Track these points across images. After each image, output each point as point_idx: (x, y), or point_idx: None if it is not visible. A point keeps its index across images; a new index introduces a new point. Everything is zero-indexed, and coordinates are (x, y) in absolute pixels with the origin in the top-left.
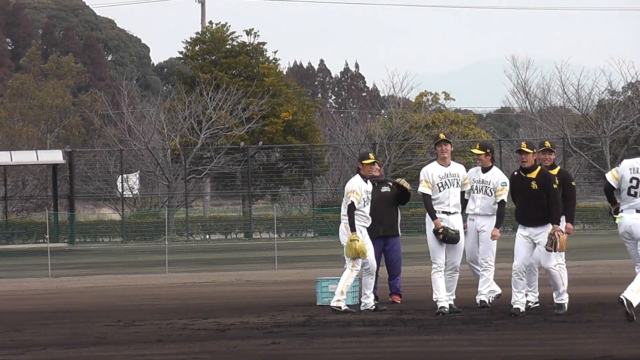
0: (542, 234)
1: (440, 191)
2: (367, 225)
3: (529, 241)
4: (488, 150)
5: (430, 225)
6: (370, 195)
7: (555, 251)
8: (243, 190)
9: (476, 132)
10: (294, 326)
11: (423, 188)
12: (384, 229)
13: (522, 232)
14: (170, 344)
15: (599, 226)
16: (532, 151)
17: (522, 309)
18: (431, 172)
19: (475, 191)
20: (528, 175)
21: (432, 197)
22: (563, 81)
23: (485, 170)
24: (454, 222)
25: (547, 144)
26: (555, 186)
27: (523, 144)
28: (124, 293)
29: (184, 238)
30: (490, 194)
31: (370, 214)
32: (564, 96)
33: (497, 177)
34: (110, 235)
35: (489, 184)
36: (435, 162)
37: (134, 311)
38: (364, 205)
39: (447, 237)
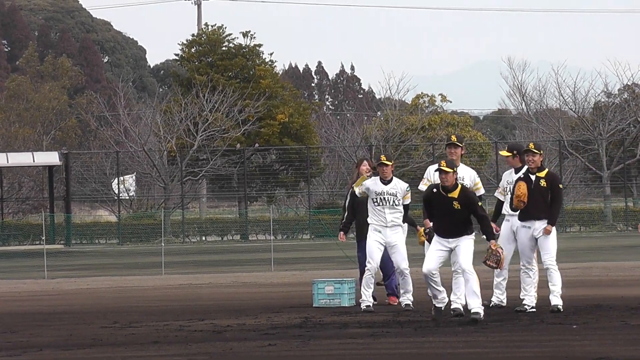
0: (459, 240)
1: None
2: (384, 225)
3: (445, 247)
4: (515, 152)
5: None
6: (380, 196)
7: (498, 268)
8: (239, 192)
9: (472, 135)
10: (291, 328)
11: (422, 186)
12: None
13: (440, 240)
14: (167, 345)
15: (595, 228)
16: (452, 170)
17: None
18: (434, 172)
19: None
20: (449, 195)
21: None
22: (559, 83)
23: (517, 170)
24: None
25: (531, 145)
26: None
27: (443, 162)
28: (120, 295)
29: (180, 240)
30: None
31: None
32: (560, 98)
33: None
34: (106, 237)
35: None
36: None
37: (130, 313)
38: (377, 205)
39: (431, 240)
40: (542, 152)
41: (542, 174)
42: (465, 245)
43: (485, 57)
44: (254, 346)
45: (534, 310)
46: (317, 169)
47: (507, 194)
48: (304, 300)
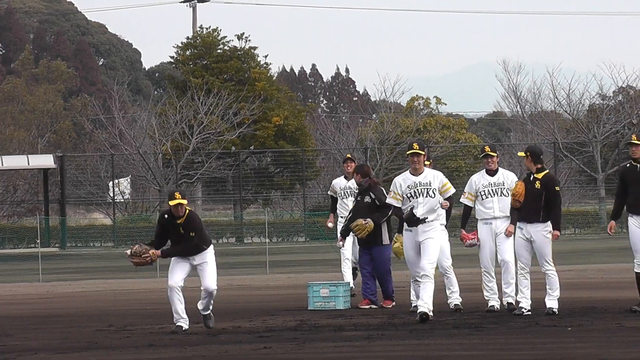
0: (202, 257)
1: (409, 201)
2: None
3: (187, 262)
4: (528, 153)
5: (404, 237)
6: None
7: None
8: (234, 195)
9: (467, 137)
10: (286, 331)
11: (391, 199)
12: (367, 240)
13: (180, 260)
14: (162, 348)
15: (590, 230)
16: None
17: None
18: (399, 183)
19: (489, 195)
20: (178, 222)
21: (402, 207)
22: (554, 85)
23: (492, 173)
24: (424, 230)
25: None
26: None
27: (177, 194)
28: (115, 297)
29: None
30: (507, 194)
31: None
32: (555, 100)
33: (510, 176)
34: (101, 240)
35: (504, 185)
36: (407, 171)
37: (126, 315)
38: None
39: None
40: (529, 154)
41: (540, 175)
42: (210, 262)
43: (480, 60)
44: (249, 349)
45: (530, 313)
46: (312, 172)
47: (485, 197)
48: (299, 303)
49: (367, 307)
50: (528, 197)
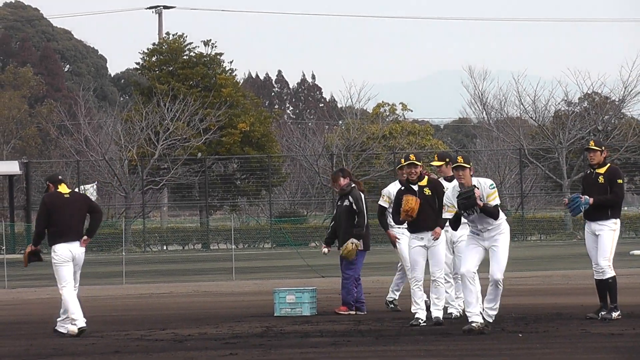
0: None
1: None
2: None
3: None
4: (447, 160)
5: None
6: None
7: None
8: (200, 201)
9: (433, 143)
10: (252, 337)
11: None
12: (340, 243)
13: None
14: (128, 355)
15: (555, 236)
16: None
17: None
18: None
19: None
20: None
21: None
22: (520, 92)
23: (449, 179)
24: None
25: (412, 157)
26: None
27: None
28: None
29: (142, 249)
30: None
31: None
32: (521, 107)
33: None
34: None
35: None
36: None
37: (91, 322)
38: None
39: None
40: (422, 162)
41: (424, 182)
42: None
43: (446, 66)
44: (215, 355)
45: (425, 324)
46: (278, 178)
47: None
48: (265, 309)
49: (346, 313)
50: (423, 207)
